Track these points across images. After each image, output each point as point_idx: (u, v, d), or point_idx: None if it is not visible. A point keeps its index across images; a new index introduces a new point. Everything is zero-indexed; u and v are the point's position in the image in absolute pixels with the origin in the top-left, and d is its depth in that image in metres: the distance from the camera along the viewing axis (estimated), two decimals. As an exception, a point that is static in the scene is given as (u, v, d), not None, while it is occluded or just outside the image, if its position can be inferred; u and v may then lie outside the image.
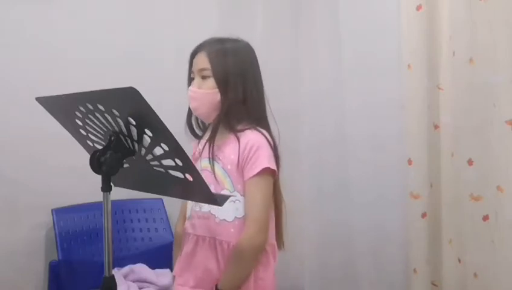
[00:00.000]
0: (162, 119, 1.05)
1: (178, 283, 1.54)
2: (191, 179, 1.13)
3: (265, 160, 1.43)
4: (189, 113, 1.58)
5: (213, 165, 1.47)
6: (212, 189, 1.45)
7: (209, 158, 1.48)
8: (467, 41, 2.03)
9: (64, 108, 1.27)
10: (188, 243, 1.52)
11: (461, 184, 2.10)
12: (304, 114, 2.82)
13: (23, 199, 2.29)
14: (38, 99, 1.27)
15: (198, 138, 1.61)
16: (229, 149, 1.47)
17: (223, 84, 1.46)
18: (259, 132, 1.48)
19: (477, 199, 2.04)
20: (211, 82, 1.47)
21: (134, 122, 1.11)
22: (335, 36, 2.62)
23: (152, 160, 1.15)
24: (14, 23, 2.27)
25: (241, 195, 1.46)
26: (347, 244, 2.65)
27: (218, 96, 1.46)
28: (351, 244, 2.64)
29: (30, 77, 2.24)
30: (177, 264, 1.59)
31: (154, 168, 1.17)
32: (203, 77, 1.48)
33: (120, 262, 2.29)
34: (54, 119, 1.33)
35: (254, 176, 1.43)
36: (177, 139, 1.08)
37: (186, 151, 1.09)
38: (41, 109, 1.30)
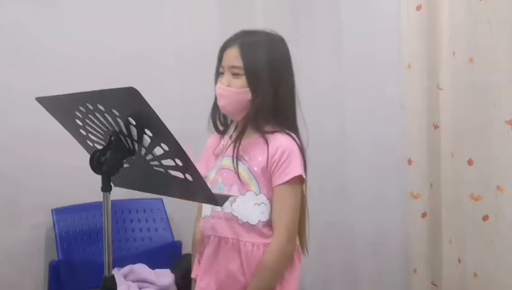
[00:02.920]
0: (162, 119, 1.05)
1: (199, 287, 1.49)
2: (191, 179, 1.13)
3: (297, 167, 1.39)
4: (214, 107, 1.51)
5: (237, 165, 1.42)
6: (236, 189, 1.43)
7: (233, 157, 1.43)
8: (467, 41, 2.03)
9: (64, 108, 1.27)
10: (210, 245, 1.47)
11: (461, 184, 2.10)
12: (303, 114, 2.82)
13: (23, 199, 2.29)
14: (38, 99, 1.27)
15: (221, 133, 1.54)
16: (257, 151, 1.42)
17: (254, 83, 1.40)
18: (290, 136, 1.43)
19: (477, 199, 2.04)
20: (242, 80, 1.40)
21: (134, 122, 1.11)
22: (335, 36, 2.62)
23: (152, 160, 1.15)
24: (13, 23, 2.27)
25: (267, 199, 1.42)
26: (347, 244, 2.65)
27: (248, 96, 1.41)
28: (351, 244, 2.63)
29: (30, 77, 2.24)
30: (197, 267, 1.54)
31: (154, 168, 1.16)
32: (234, 74, 1.41)
33: (120, 262, 2.29)
34: (54, 119, 1.33)
35: (284, 183, 1.39)
36: (177, 138, 1.08)
37: (186, 152, 1.09)
38: (41, 109, 1.30)
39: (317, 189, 2.81)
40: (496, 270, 1.98)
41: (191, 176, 1.12)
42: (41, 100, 1.27)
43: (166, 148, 1.10)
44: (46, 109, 1.30)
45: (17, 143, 2.25)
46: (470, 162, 2.06)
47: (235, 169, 1.42)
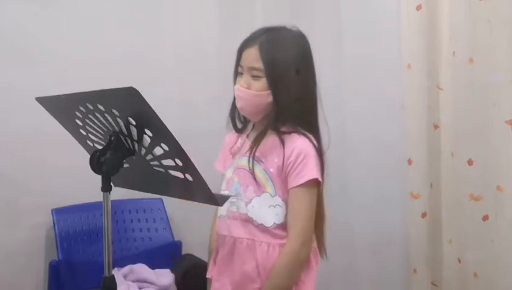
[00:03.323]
0: (162, 119, 1.05)
1: (215, 287, 1.48)
2: (191, 179, 1.13)
3: (312, 170, 1.35)
4: (233, 107, 1.47)
5: (253, 166, 1.40)
6: (252, 190, 1.41)
7: (249, 158, 1.40)
8: (467, 41, 2.04)
9: (64, 108, 1.27)
10: (225, 246, 1.45)
11: (461, 184, 2.11)
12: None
13: (23, 199, 2.28)
14: (38, 99, 1.27)
15: (239, 132, 1.51)
16: (273, 152, 1.39)
17: (276, 86, 1.35)
18: (307, 137, 1.39)
19: (477, 199, 2.04)
20: (262, 83, 1.36)
21: (134, 122, 1.11)
22: (335, 36, 2.62)
23: (152, 160, 1.15)
24: (13, 23, 2.27)
25: (282, 201, 1.39)
26: (347, 245, 2.65)
27: (269, 99, 1.36)
28: (351, 244, 2.64)
29: (30, 77, 2.24)
30: (213, 267, 1.52)
31: (154, 168, 1.16)
32: (254, 76, 1.37)
33: (120, 262, 2.29)
34: (54, 119, 1.33)
35: (299, 186, 1.36)
36: (177, 138, 1.08)
37: (186, 152, 1.09)
38: (41, 109, 1.30)
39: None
40: (496, 270, 1.99)
41: (191, 176, 1.12)
42: (41, 100, 1.27)
43: (166, 148, 1.10)
44: (46, 109, 1.30)
45: (17, 143, 2.25)
46: (470, 162, 2.06)
47: (250, 170, 1.40)
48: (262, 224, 1.40)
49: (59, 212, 2.31)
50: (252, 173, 1.40)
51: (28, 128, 2.24)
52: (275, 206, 1.39)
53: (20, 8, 2.28)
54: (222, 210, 1.48)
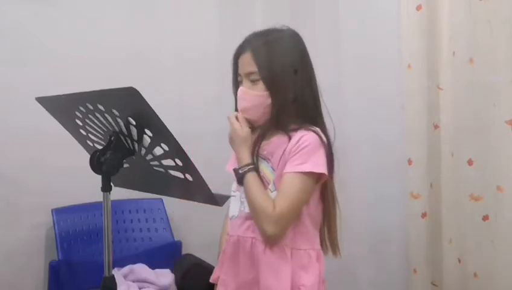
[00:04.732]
0: (162, 119, 1.05)
1: (221, 284, 1.46)
2: (191, 179, 1.13)
3: (312, 163, 1.33)
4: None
5: (257, 162, 1.39)
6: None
7: (253, 157, 1.39)
8: (467, 41, 2.03)
9: (64, 108, 1.27)
10: (229, 245, 1.45)
11: (461, 184, 2.10)
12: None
13: (23, 199, 2.28)
14: (38, 99, 1.27)
15: None
16: (280, 149, 1.38)
17: (273, 86, 1.37)
18: (314, 130, 1.38)
19: (477, 199, 2.04)
20: (261, 86, 1.37)
21: (134, 122, 1.11)
22: (335, 36, 2.62)
23: (152, 160, 1.15)
24: (13, 23, 2.27)
25: None
26: (347, 244, 2.64)
27: (268, 100, 1.37)
28: (351, 244, 2.63)
29: (30, 77, 2.24)
30: (218, 270, 1.50)
31: (154, 168, 1.16)
32: (252, 81, 1.38)
33: (120, 262, 2.29)
34: (54, 119, 1.33)
35: (294, 172, 1.33)
36: (177, 139, 1.08)
37: (186, 152, 1.09)
38: (41, 109, 1.30)
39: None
40: (495, 270, 1.98)
41: (191, 176, 1.12)
42: (41, 100, 1.27)
43: (166, 148, 1.11)
44: (46, 109, 1.30)
45: (17, 143, 2.25)
46: (470, 162, 2.06)
47: (255, 168, 1.38)
48: None
49: (59, 212, 2.31)
50: (257, 170, 1.38)
51: (28, 128, 2.24)
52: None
53: (20, 8, 2.28)
54: (234, 211, 1.47)
